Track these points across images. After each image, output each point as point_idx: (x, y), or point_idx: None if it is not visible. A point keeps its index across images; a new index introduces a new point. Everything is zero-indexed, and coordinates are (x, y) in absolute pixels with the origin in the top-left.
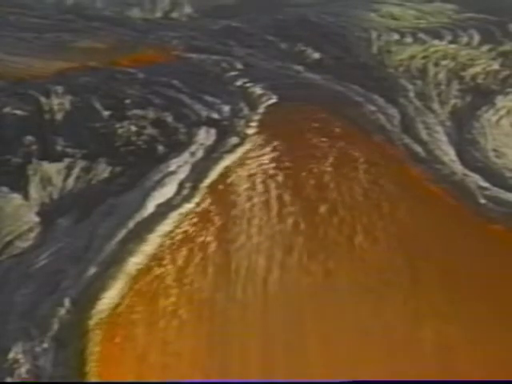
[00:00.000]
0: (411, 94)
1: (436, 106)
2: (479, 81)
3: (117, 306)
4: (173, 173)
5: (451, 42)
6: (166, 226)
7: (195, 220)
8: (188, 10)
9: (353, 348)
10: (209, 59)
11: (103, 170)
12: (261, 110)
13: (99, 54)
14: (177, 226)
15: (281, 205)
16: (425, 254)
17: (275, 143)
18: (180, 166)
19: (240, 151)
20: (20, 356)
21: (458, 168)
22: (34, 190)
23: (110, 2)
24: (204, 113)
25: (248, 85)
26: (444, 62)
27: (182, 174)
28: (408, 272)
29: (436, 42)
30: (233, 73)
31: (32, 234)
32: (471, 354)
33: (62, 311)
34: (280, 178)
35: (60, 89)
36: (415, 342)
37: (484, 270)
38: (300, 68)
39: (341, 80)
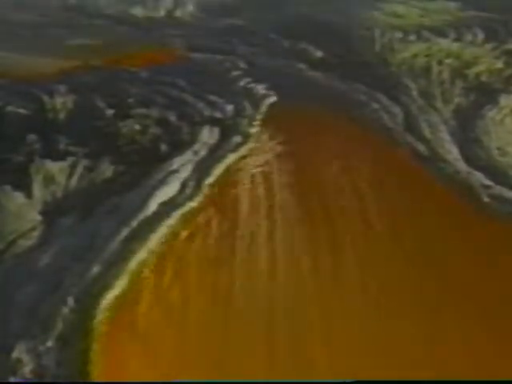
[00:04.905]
0: (414, 93)
1: (439, 104)
2: (483, 79)
3: (120, 304)
4: (176, 172)
5: (455, 40)
6: (169, 224)
7: (198, 218)
8: (191, 8)
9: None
10: (212, 58)
11: (106, 169)
12: (264, 108)
13: (102, 52)
14: (180, 225)
15: (283, 203)
16: (428, 251)
17: (278, 141)
18: (183, 165)
19: (243, 150)
20: (23, 355)
21: (462, 166)
22: (37, 189)
23: (114, 1)
24: (207, 112)
25: (251, 84)
26: (448, 61)
27: (185, 173)
28: (410, 270)
29: (440, 40)
30: (236, 72)
31: (35, 233)
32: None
33: (66, 310)
34: (283, 176)
35: (63, 88)
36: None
37: (486, 266)
38: (303, 66)
39: (344, 78)
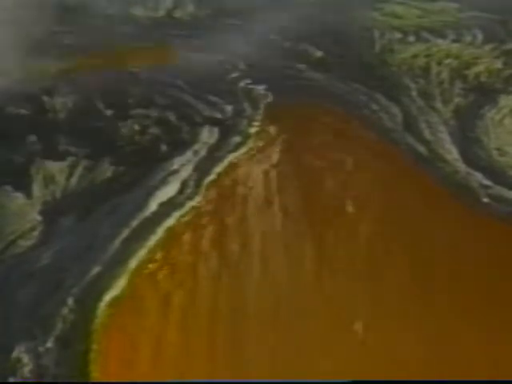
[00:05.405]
0: (414, 93)
1: (439, 104)
2: (482, 79)
3: (120, 304)
4: (176, 171)
5: (454, 41)
6: (169, 224)
7: (198, 218)
8: (191, 8)
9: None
10: (212, 58)
11: (106, 169)
12: (263, 108)
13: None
14: (180, 224)
15: (284, 203)
16: (429, 251)
17: (278, 142)
18: (183, 165)
19: (243, 150)
20: (23, 355)
21: (461, 167)
22: (36, 189)
23: (113, 1)
24: (207, 112)
25: (250, 84)
26: (447, 61)
27: (185, 173)
28: (412, 271)
29: (439, 40)
30: (235, 72)
31: (35, 233)
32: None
33: (65, 310)
34: (283, 176)
35: (63, 88)
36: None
37: (486, 266)
38: (302, 67)
39: (343, 79)
